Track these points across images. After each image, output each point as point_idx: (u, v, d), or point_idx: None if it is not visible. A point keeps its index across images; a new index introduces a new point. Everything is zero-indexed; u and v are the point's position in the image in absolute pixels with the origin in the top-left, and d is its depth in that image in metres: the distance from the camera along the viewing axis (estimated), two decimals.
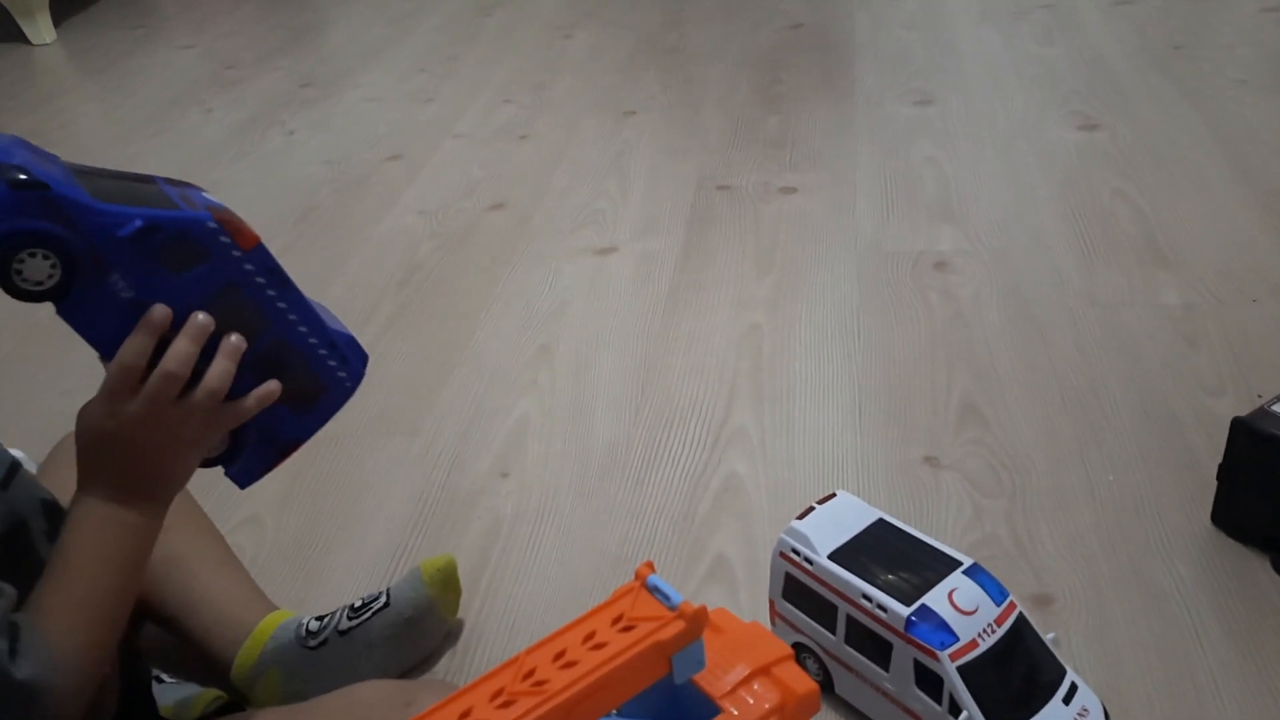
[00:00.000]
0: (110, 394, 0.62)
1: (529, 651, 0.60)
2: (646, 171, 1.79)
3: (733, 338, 1.36)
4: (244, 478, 0.71)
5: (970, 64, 2.08)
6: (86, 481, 0.63)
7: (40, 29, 2.55)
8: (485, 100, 2.10)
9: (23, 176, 0.57)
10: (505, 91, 2.14)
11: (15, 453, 0.72)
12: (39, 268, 0.58)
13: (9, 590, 0.59)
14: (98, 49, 2.54)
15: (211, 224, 0.64)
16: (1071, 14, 2.26)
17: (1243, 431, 0.95)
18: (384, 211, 1.73)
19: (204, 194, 0.67)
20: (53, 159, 0.62)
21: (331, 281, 1.54)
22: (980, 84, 1.99)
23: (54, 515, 0.69)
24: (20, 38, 2.51)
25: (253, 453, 0.70)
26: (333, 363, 0.71)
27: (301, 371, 0.69)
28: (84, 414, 0.64)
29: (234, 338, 0.65)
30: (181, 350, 0.62)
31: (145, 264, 0.62)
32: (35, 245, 0.58)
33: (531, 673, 0.58)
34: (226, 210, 0.65)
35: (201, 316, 0.63)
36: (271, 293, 0.66)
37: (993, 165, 1.71)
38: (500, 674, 0.59)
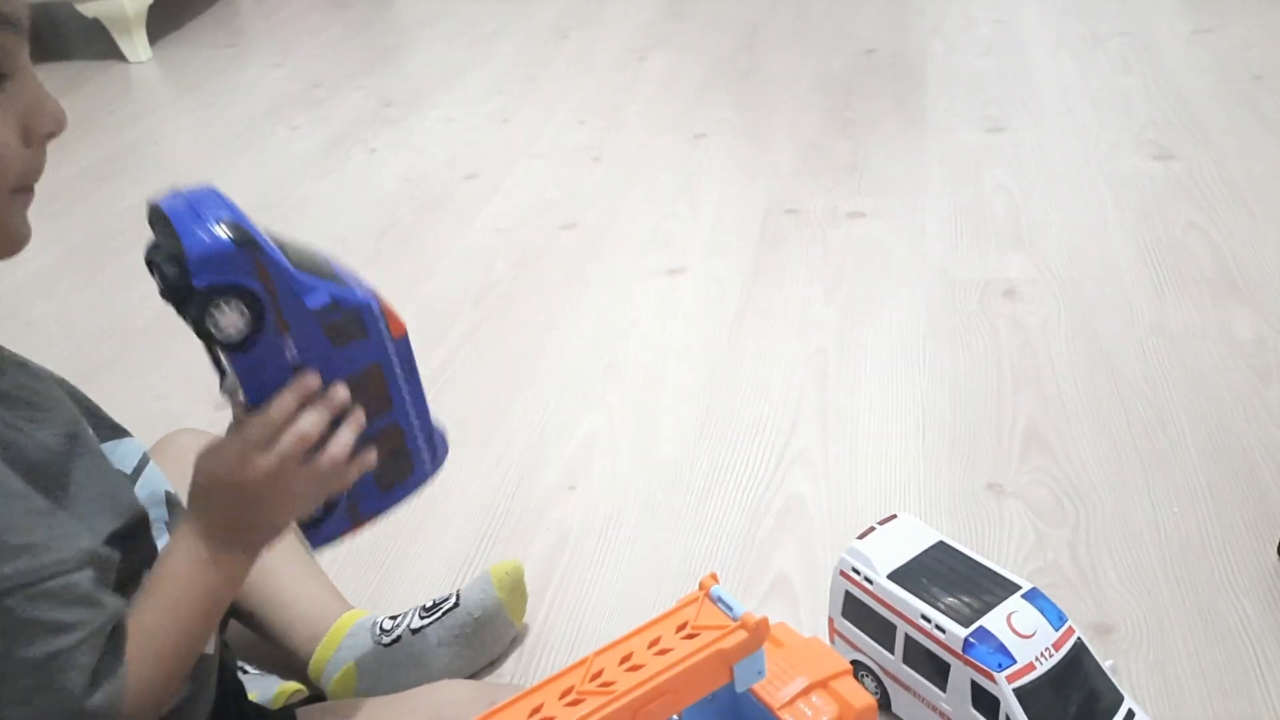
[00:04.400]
0: (248, 443, 0.64)
1: (597, 654, 0.63)
2: (716, 194, 1.82)
3: (798, 360, 1.38)
4: (319, 540, 0.75)
5: (1044, 91, 2.07)
6: (196, 518, 0.66)
7: (137, 46, 2.66)
8: (560, 121, 2.15)
9: (241, 233, 0.62)
10: (580, 113, 2.18)
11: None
12: (232, 320, 0.62)
13: (113, 603, 0.60)
14: (191, 66, 2.65)
15: (377, 309, 0.69)
16: (1149, 42, 2.24)
17: None
18: (461, 229, 1.78)
19: (359, 276, 0.72)
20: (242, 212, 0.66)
21: (410, 296, 1.59)
22: (1054, 112, 1.98)
23: (175, 508, 0.73)
24: (118, 55, 2.63)
25: (336, 518, 0.73)
26: (425, 452, 0.76)
27: (400, 454, 0.74)
28: (212, 456, 0.66)
29: (360, 413, 0.69)
30: (319, 417, 0.66)
31: (316, 333, 0.66)
32: (237, 298, 0.62)
33: (599, 674, 0.61)
34: (382, 297, 0.70)
35: (342, 390, 0.67)
36: (402, 380, 0.72)
37: (1065, 194, 1.71)
38: (569, 674, 0.62)
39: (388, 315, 0.69)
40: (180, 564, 0.65)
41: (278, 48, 2.77)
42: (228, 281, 0.61)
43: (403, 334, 0.71)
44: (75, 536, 0.59)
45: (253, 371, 0.65)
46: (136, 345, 1.52)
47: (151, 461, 0.74)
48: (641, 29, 2.63)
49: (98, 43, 2.66)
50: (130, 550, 0.64)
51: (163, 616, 0.63)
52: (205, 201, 0.63)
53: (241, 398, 0.65)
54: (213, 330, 0.62)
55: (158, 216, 0.63)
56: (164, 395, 1.38)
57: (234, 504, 0.65)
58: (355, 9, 2.99)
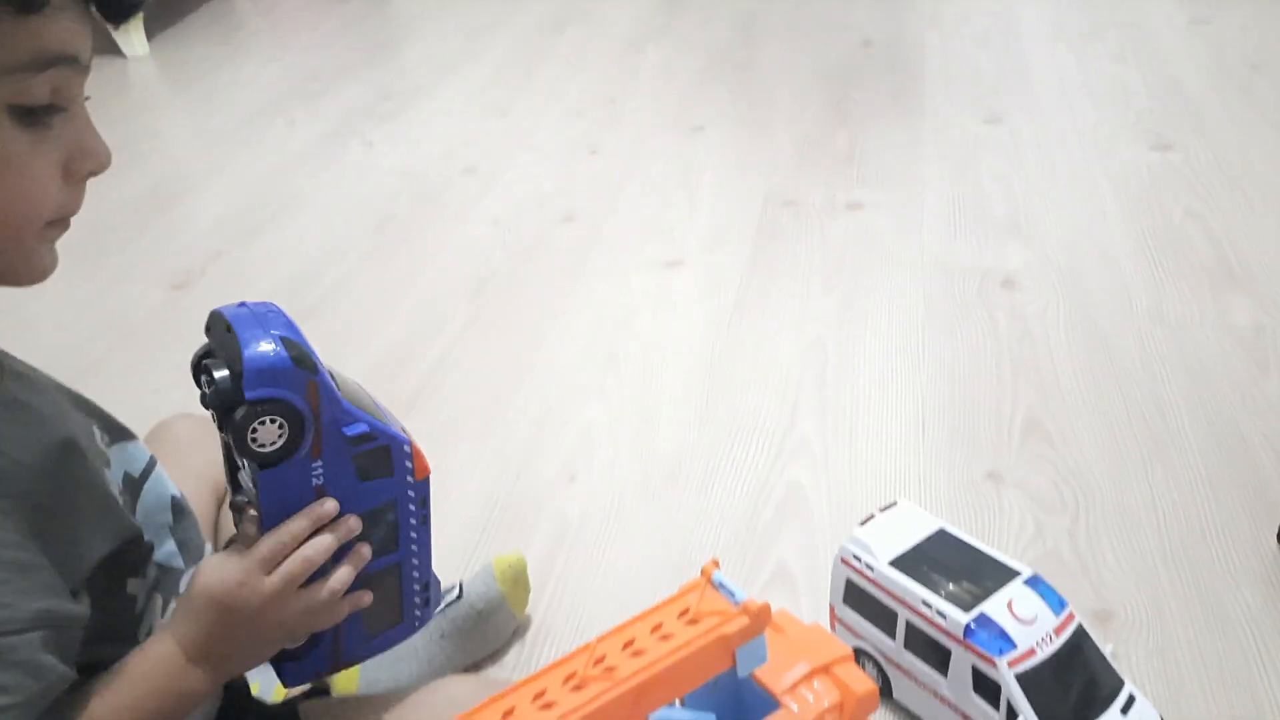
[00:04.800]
0: (257, 561, 0.63)
1: (600, 639, 0.63)
2: (714, 186, 1.82)
3: (797, 351, 1.38)
4: (293, 678, 0.71)
5: (1041, 82, 2.07)
6: (178, 628, 0.63)
7: (134, 42, 2.65)
8: (557, 115, 2.15)
9: (300, 352, 0.62)
10: (577, 106, 2.18)
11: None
12: (271, 433, 0.61)
13: (56, 671, 0.56)
14: (189, 62, 2.65)
15: (408, 447, 0.68)
16: (1147, 32, 2.24)
17: None
18: (458, 222, 1.78)
19: (395, 416, 0.70)
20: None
21: (407, 289, 1.59)
22: (1051, 102, 1.99)
23: (181, 514, 0.72)
24: (115, 49, 2.63)
25: (316, 656, 0.71)
26: (418, 602, 0.73)
27: (393, 599, 0.72)
28: (214, 570, 0.63)
29: (364, 549, 0.67)
30: (326, 543, 0.64)
31: (346, 462, 0.65)
32: (281, 416, 0.61)
33: (602, 659, 0.61)
34: (413, 439, 0.69)
35: (353, 521, 0.66)
36: (414, 524, 0.70)
37: (1062, 184, 1.71)
38: (572, 659, 0.62)
39: (415, 456, 0.68)
40: (150, 666, 0.62)
41: (275, 42, 2.76)
42: (279, 396, 0.61)
43: (426, 476, 0.69)
44: (32, 593, 0.55)
45: (275, 489, 0.64)
46: (133, 341, 1.52)
47: (159, 465, 0.73)
48: (638, 21, 2.63)
49: (94, 37, 2.63)
50: (122, 573, 0.62)
51: (117, 714, 0.60)
52: (269, 317, 0.63)
53: (254, 513, 0.64)
54: (249, 439, 0.61)
55: (219, 323, 0.63)
56: (161, 390, 1.38)
57: (223, 623, 0.63)
58: (352, 4, 2.99)
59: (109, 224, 1.81)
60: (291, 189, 1.94)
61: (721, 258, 1.60)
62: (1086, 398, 1.24)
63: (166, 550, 0.69)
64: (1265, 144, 1.75)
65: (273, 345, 0.61)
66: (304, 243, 1.74)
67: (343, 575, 0.65)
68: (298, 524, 0.63)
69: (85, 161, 0.59)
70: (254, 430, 0.61)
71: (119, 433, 0.70)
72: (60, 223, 0.60)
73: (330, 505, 0.65)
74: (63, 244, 0.62)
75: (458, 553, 1.12)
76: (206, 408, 0.62)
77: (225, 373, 0.60)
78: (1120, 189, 1.67)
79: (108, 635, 0.63)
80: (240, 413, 0.60)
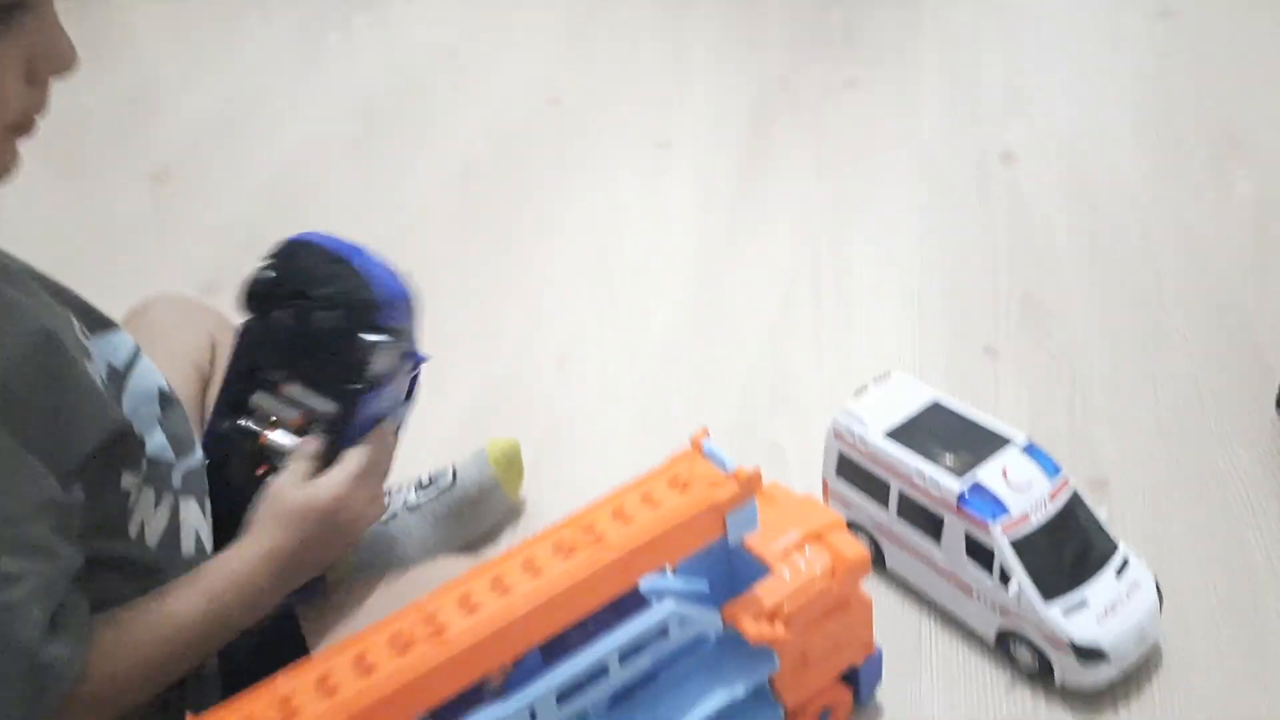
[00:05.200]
0: (352, 476, 0.66)
1: (589, 508, 0.62)
2: (707, 68, 1.76)
3: (792, 233, 1.35)
4: (305, 598, 0.73)
5: None
6: (270, 542, 0.64)
7: None
8: None
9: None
10: None
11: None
12: (388, 360, 0.66)
13: (68, 555, 0.56)
14: None
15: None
16: None
17: None
18: (444, 111, 1.73)
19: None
20: None
21: (393, 182, 1.55)
22: None
23: (168, 404, 0.70)
24: None
25: (316, 581, 0.73)
26: None
27: None
28: (313, 486, 0.66)
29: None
30: (393, 454, 0.72)
31: (404, 384, 0.71)
32: (404, 344, 0.67)
33: (592, 527, 0.61)
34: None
35: (394, 435, 0.73)
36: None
37: (1063, 56, 1.66)
38: (562, 528, 0.61)
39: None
40: (234, 571, 0.63)
41: None
42: (405, 326, 0.66)
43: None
44: (33, 481, 0.55)
45: (367, 411, 0.68)
46: (117, 239, 1.49)
47: (143, 356, 0.71)
48: None
49: None
50: (115, 466, 0.61)
51: (195, 611, 0.61)
52: (361, 249, 0.67)
53: (322, 434, 0.67)
54: (365, 368, 0.65)
55: (310, 251, 0.66)
56: (148, 284, 1.35)
57: (320, 533, 0.65)
58: None
59: (86, 123, 1.77)
60: (270, 82, 1.89)
61: (715, 141, 1.56)
62: (1085, 273, 1.22)
63: (156, 443, 0.67)
64: (1268, 10, 1.69)
65: (397, 277, 0.65)
66: (286, 137, 1.70)
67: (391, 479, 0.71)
68: (383, 440, 0.69)
69: (49, 63, 0.56)
70: (374, 358, 0.64)
71: (99, 323, 0.68)
72: (24, 125, 0.57)
73: (391, 424, 0.70)
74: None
75: (452, 440, 1.11)
76: (301, 335, 0.65)
77: (340, 307, 0.64)
78: (1121, 59, 1.62)
79: (99, 530, 0.62)
80: (369, 341, 0.64)
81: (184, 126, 1.75)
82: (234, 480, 0.70)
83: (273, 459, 0.69)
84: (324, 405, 0.68)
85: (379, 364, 0.65)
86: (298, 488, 0.66)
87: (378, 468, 0.69)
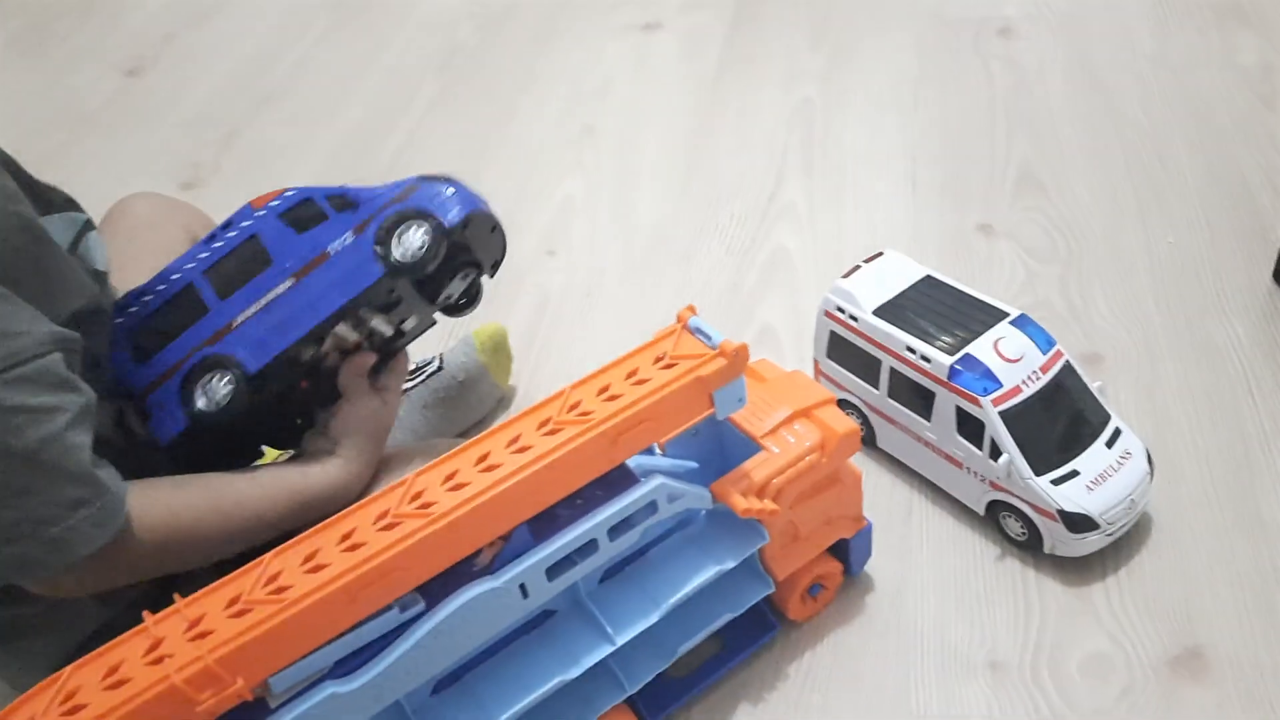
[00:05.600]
0: (393, 390, 0.73)
1: (574, 386, 0.61)
2: None
3: (783, 112, 1.32)
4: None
5: None
6: (358, 458, 0.69)
7: None
8: None
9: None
10: None
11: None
12: (459, 286, 0.73)
13: (86, 388, 0.58)
14: None
15: None
16: None
17: None
18: None
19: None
20: None
21: (370, 66, 1.51)
22: None
23: (103, 284, 0.69)
24: None
25: None
26: None
27: None
28: (377, 410, 0.71)
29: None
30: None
31: None
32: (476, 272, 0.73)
33: (577, 405, 0.60)
34: None
35: None
36: None
37: None
38: (546, 406, 0.60)
39: None
40: (310, 485, 0.67)
41: None
42: (477, 258, 0.73)
43: None
44: (38, 319, 0.56)
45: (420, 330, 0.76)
46: (91, 128, 1.45)
47: (93, 232, 0.70)
48: None
49: None
50: (87, 333, 0.61)
51: (240, 505, 0.64)
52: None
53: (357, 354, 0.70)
54: (438, 290, 0.71)
55: (482, 220, 0.71)
56: (124, 178, 1.32)
57: (378, 439, 0.71)
58: None
59: (54, 9, 1.71)
60: None
61: (701, 17, 1.51)
62: (1083, 146, 1.19)
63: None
64: None
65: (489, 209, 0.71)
66: (260, 20, 1.64)
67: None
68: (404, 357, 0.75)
69: None
70: (449, 283, 0.70)
71: (44, 205, 0.67)
72: None
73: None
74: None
75: (437, 329, 1.09)
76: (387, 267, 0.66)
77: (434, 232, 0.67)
78: None
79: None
80: (454, 265, 0.68)
81: (154, 12, 1.69)
82: (278, 392, 0.70)
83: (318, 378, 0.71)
84: (385, 327, 0.71)
85: (452, 288, 0.72)
86: (361, 418, 0.70)
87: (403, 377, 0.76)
